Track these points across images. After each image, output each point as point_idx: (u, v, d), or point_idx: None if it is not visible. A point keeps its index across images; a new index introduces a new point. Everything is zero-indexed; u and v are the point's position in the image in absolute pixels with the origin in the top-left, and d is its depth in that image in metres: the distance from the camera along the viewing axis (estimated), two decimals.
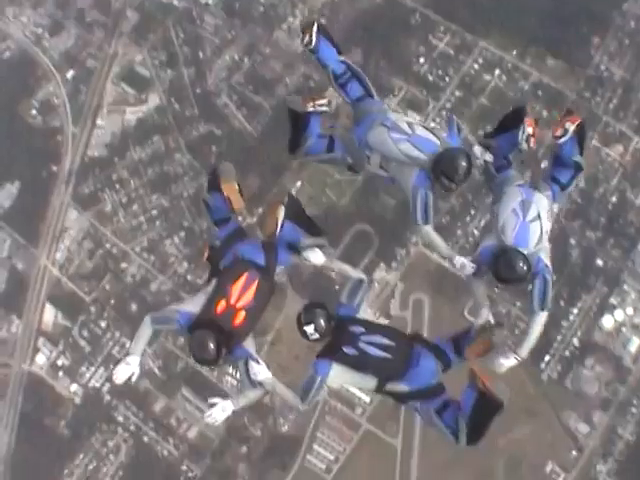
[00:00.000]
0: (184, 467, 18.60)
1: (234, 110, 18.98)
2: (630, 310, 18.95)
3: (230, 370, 18.45)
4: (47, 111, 19.62)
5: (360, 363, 4.51)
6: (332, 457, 18.43)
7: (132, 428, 18.71)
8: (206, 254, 4.91)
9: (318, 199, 18.30)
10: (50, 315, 19.16)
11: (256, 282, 4.60)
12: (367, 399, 18.43)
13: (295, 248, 4.89)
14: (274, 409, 18.15)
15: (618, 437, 18.76)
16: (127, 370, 4.81)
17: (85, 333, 18.98)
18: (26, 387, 19.24)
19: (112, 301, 18.90)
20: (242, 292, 4.53)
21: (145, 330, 4.90)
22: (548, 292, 4.60)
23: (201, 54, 19.21)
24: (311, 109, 4.96)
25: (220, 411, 4.80)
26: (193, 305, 4.65)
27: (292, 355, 18.10)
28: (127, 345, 18.83)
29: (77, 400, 18.95)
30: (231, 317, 4.51)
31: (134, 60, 19.50)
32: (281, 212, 4.77)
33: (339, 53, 5.21)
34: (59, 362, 19.07)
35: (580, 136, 4.90)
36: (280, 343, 17.97)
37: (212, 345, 4.43)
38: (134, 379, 4.93)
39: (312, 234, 4.98)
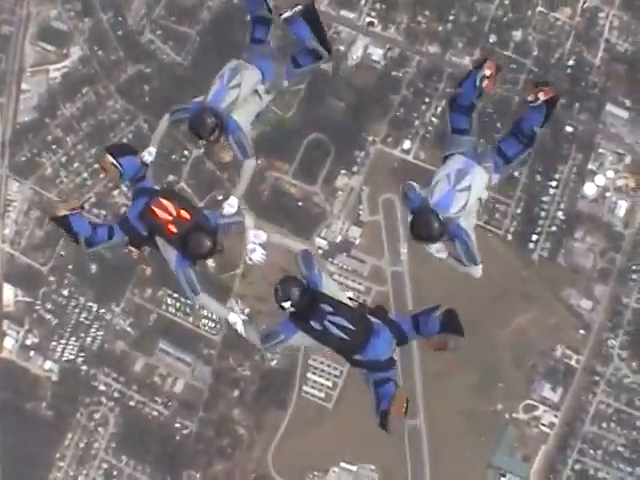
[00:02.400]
0: (177, 425, 17.44)
1: (160, 45, 17.89)
2: (611, 173, 17.81)
3: (205, 313, 17.08)
4: None
5: (321, 338, 4.83)
6: (329, 384, 17.14)
7: (116, 395, 17.60)
8: (136, 251, 5.47)
9: (263, 116, 16.83)
10: (10, 295, 18.01)
11: (158, 198, 5.21)
12: None
13: (139, 177, 5.48)
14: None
15: (624, 307, 17.61)
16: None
17: (49, 305, 17.86)
18: (0, 375, 17.79)
19: (70, 266, 17.71)
20: (164, 210, 5.14)
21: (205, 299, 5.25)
22: (471, 250, 4.90)
23: None
24: None
25: (259, 253, 5.14)
26: (171, 254, 5.15)
27: (266, 284, 16.73)
28: (94, 309, 17.59)
29: (54, 377, 17.86)
30: (182, 220, 5.10)
31: (49, 16, 18.48)
32: (110, 158, 5.34)
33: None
34: (28, 341, 17.99)
35: (550, 109, 5.05)
36: (251, 274, 16.59)
37: (203, 237, 4.99)
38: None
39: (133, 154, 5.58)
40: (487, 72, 4.95)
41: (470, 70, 5.18)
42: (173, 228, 5.02)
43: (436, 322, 4.83)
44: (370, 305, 5.14)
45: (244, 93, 5.26)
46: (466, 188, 4.77)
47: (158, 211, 5.07)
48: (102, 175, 5.63)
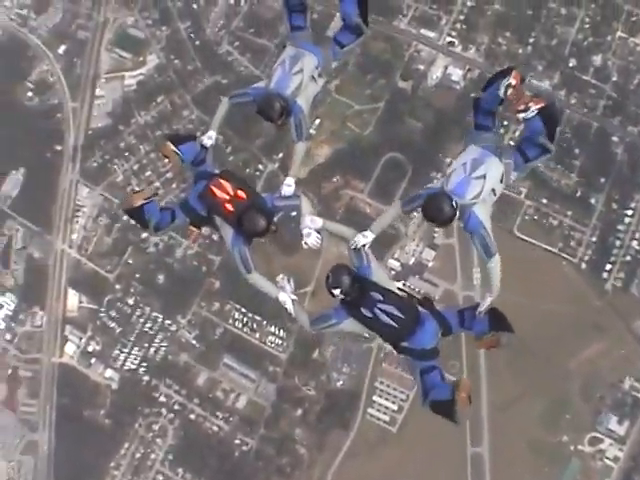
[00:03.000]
0: (237, 441, 17.04)
1: (238, 56, 17.65)
2: None
3: (273, 329, 16.72)
4: (43, 90, 18.40)
5: (371, 324, 4.93)
6: (395, 407, 16.70)
7: (176, 407, 17.25)
8: (197, 231, 5.58)
9: (340, 133, 16.78)
10: (74, 300, 17.75)
11: (217, 178, 5.31)
12: None
13: (199, 160, 5.60)
14: (325, 364, 16.31)
15: None
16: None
17: (113, 313, 17.52)
18: (59, 380, 17.89)
19: (137, 275, 17.51)
20: (222, 189, 5.25)
21: (257, 278, 5.29)
22: (489, 243, 4.92)
23: (195, 5, 17.86)
24: None
25: (314, 237, 5.20)
26: (228, 232, 5.30)
27: (336, 302, 16.35)
28: (159, 320, 17.27)
29: (114, 386, 17.50)
30: (239, 200, 5.22)
31: (126, 23, 18.32)
32: (170, 145, 5.46)
33: None
34: (90, 348, 17.68)
35: (550, 122, 5.04)
36: (322, 292, 16.12)
37: (258, 216, 5.09)
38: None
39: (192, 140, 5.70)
40: (512, 81, 4.94)
41: (493, 76, 5.18)
42: (230, 207, 5.18)
43: (484, 322, 4.92)
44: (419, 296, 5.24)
45: (306, 79, 5.49)
46: (481, 176, 4.84)
47: (216, 191, 5.22)
48: (166, 161, 5.74)
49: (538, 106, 4.85)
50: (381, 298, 4.83)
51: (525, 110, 4.85)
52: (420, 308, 4.97)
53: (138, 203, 5.39)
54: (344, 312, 4.83)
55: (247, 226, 5.04)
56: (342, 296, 4.68)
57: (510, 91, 4.93)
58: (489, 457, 16.89)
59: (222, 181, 5.20)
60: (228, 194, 5.14)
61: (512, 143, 5.33)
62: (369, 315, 4.81)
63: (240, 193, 5.16)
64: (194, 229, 5.52)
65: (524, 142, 5.05)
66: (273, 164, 16.94)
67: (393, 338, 4.89)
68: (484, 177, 4.83)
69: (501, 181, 4.96)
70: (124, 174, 17.62)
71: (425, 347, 4.88)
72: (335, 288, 4.69)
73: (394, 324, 4.80)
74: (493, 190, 4.91)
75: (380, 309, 4.82)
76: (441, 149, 16.80)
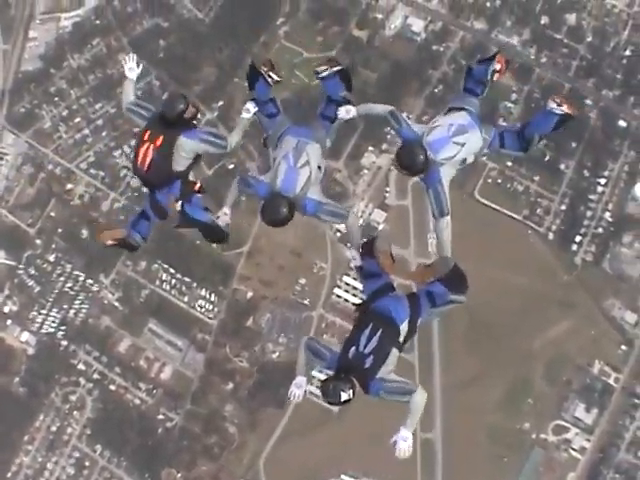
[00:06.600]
0: (161, 416, 15.01)
1: None
2: None
3: (203, 293, 14.68)
4: None
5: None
6: None
7: (95, 376, 15.29)
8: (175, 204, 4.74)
9: (287, 81, 14.83)
10: None
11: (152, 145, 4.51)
12: None
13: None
14: (260, 333, 14.23)
15: None
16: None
17: (32, 271, 15.64)
18: None
19: (60, 230, 15.50)
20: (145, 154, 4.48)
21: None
22: (443, 199, 4.70)
23: None
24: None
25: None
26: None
27: (275, 266, 14.40)
28: (80, 279, 15.18)
29: (30, 351, 15.59)
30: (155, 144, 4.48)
31: None
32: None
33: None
34: (6, 309, 15.81)
35: (561, 124, 4.87)
36: (259, 253, 14.35)
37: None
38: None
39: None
40: (497, 66, 4.97)
41: (481, 59, 5.07)
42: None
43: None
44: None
45: (314, 170, 4.80)
46: (460, 143, 4.69)
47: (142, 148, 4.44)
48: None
49: (568, 110, 4.72)
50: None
51: (556, 107, 4.69)
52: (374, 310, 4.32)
53: (108, 243, 4.71)
54: (374, 384, 4.11)
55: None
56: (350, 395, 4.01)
57: (496, 75, 4.98)
58: (441, 444, 14.83)
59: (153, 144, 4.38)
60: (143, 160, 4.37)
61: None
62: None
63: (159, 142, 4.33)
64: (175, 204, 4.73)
65: (509, 132, 4.92)
66: (212, 112, 15.05)
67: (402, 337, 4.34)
68: (462, 145, 4.73)
69: (475, 155, 4.86)
70: (52, 120, 15.77)
71: (403, 313, 4.35)
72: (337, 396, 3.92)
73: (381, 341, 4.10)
74: (464, 160, 4.78)
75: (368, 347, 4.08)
76: (396, 103, 14.91)
